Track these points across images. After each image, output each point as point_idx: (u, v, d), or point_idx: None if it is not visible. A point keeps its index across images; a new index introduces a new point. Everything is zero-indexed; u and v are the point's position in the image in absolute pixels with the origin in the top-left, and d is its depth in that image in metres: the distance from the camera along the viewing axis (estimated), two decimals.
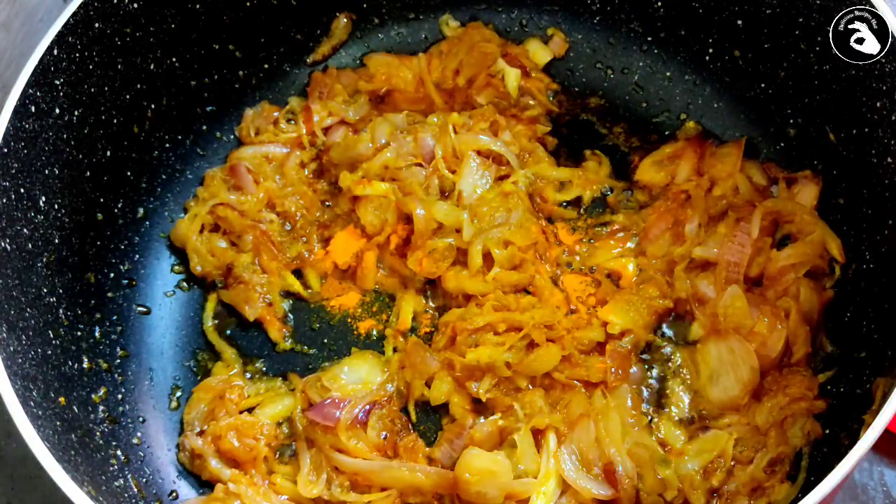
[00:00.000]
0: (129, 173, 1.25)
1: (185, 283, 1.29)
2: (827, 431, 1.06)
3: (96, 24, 1.14)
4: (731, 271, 1.15)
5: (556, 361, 1.13)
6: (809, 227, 1.16)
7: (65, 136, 1.12)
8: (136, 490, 1.09)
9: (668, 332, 1.18)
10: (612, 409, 1.10)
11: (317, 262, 1.28)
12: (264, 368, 1.23)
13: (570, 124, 1.35)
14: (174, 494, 1.14)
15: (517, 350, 1.13)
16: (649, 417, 1.12)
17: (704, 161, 1.26)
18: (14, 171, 1.05)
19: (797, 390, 1.08)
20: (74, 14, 1.11)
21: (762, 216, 1.17)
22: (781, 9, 1.15)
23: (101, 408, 1.13)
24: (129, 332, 1.23)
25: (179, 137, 1.31)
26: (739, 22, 1.22)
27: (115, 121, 1.20)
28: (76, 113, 1.14)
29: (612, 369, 1.13)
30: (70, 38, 1.11)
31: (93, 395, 1.13)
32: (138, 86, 1.22)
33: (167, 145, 1.30)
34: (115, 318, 1.21)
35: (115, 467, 1.08)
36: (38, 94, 1.08)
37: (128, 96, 1.21)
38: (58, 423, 1.00)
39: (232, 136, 1.36)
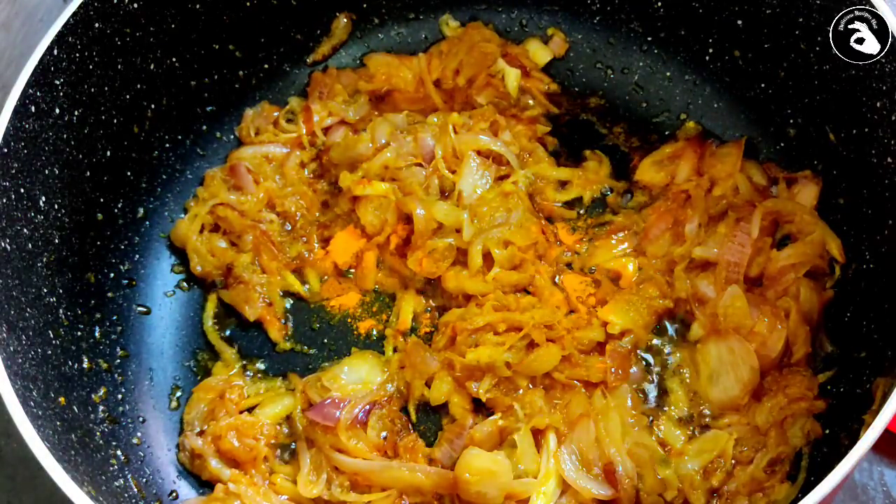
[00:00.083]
0: (129, 173, 1.25)
1: (185, 283, 1.29)
2: (827, 431, 1.06)
3: (96, 24, 1.14)
4: (731, 271, 1.15)
5: (556, 361, 1.13)
6: (809, 227, 1.16)
7: (65, 136, 1.12)
8: (136, 490, 1.09)
9: (668, 332, 1.18)
10: (612, 409, 1.10)
11: (317, 262, 1.28)
12: (264, 368, 1.23)
13: (570, 124, 1.35)
14: (174, 494, 1.14)
15: (517, 350, 1.13)
16: (649, 417, 1.12)
17: (704, 161, 1.26)
18: (14, 171, 1.05)
19: (797, 390, 1.08)
20: (74, 14, 1.11)
21: (762, 216, 1.17)
22: (781, 9, 1.15)
23: (101, 408, 1.13)
24: (129, 332, 1.23)
25: (179, 137, 1.31)
26: (739, 22, 1.22)
27: (115, 121, 1.20)
28: (76, 113, 1.14)
29: (612, 369, 1.13)
30: (70, 38, 1.11)
31: (93, 395, 1.13)
32: (138, 86, 1.22)
33: (167, 145, 1.30)
34: (115, 318, 1.21)
35: (115, 467, 1.09)
36: (38, 94, 1.08)
37: (128, 96, 1.21)
38: (58, 423, 1.00)
39: (232, 136, 1.36)
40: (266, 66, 1.37)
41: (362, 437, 1.12)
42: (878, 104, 1.05)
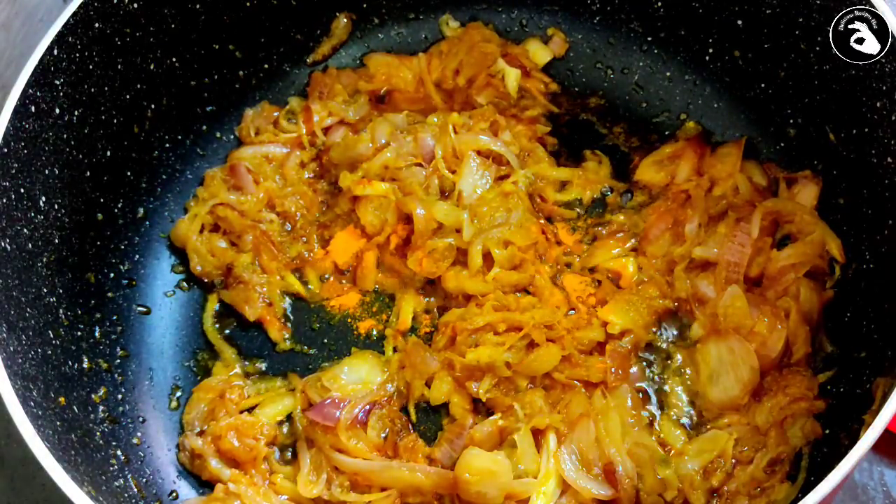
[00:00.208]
0: (129, 173, 1.25)
1: (185, 283, 1.28)
2: (827, 431, 1.06)
3: (96, 24, 1.14)
4: (731, 271, 1.15)
5: (556, 361, 1.13)
6: (809, 227, 1.16)
7: (65, 136, 1.12)
8: (136, 490, 1.09)
9: (668, 332, 1.18)
10: (612, 409, 1.10)
11: (317, 262, 1.28)
12: (264, 368, 1.23)
13: (570, 124, 1.35)
14: (174, 494, 1.14)
15: (517, 350, 1.14)
16: (649, 417, 1.12)
17: (704, 161, 1.26)
18: (14, 171, 1.05)
19: (797, 390, 1.08)
20: (74, 14, 1.11)
21: (762, 216, 1.17)
22: (781, 9, 1.15)
23: (101, 408, 1.13)
24: (129, 332, 1.23)
25: (179, 137, 1.31)
26: (739, 22, 1.22)
27: (115, 121, 1.20)
28: (76, 113, 1.14)
29: (612, 369, 1.13)
30: (70, 38, 1.11)
31: (93, 395, 1.13)
32: (138, 86, 1.22)
33: (167, 145, 1.30)
34: (115, 318, 1.21)
35: (115, 467, 1.08)
36: (38, 94, 1.08)
37: (128, 96, 1.21)
38: (58, 423, 1.00)
39: (232, 136, 1.36)
40: (266, 66, 1.37)
41: (362, 437, 1.12)
42: (878, 104, 1.05)
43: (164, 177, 1.30)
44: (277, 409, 1.17)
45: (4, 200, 1.04)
